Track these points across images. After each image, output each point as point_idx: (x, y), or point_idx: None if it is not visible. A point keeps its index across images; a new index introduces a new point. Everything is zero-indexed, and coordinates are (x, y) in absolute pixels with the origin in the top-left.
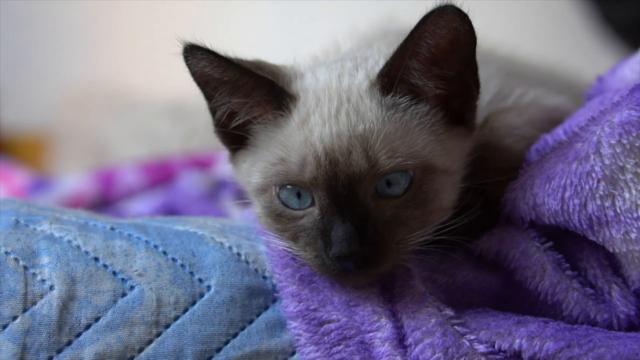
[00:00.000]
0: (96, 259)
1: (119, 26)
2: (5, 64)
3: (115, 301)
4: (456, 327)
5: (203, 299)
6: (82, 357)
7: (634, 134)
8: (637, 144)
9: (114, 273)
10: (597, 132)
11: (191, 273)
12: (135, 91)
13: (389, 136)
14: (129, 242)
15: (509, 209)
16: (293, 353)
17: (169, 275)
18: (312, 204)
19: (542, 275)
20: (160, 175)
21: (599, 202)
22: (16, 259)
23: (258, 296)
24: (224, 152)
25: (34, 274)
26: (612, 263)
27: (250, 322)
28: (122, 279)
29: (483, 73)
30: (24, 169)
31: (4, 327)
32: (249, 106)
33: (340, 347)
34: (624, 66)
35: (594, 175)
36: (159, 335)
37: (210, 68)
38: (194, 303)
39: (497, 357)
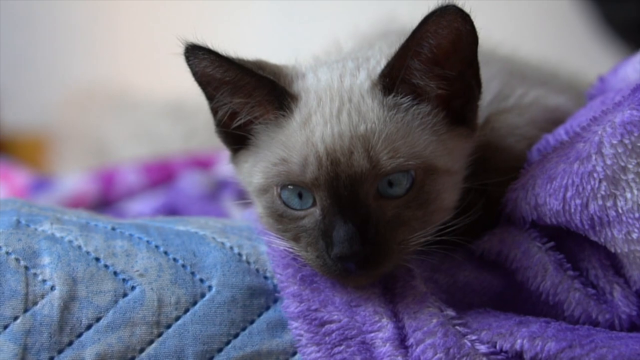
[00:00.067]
0: (97, 259)
1: (119, 26)
2: (5, 64)
3: (116, 301)
4: (457, 327)
5: (204, 299)
6: (83, 357)
7: (635, 134)
8: (639, 144)
9: (115, 273)
10: (599, 132)
11: (192, 273)
12: (135, 91)
13: (391, 136)
14: (130, 242)
15: (510, 209)
16: (294, 353)
17: (170, 276)
18: (314, 204)
19: (544, 276)
20: (161, 175)
21: (600, 202)
22: (17, 259)
23: (259, 296)
24: (224, 152)
25: (35, 274)
26: (614, 263)
27: (252, 322)
28: (123, 279)
29: (484, 73)
30: (24, 169)
31: (5, 327)
32: (251, 106)
33: (342, 347)
34: (625, 66)
35: (595, 175)
36: (160, 335)
37: (211, 68)
38: (195, 303)
39: (499, 357)
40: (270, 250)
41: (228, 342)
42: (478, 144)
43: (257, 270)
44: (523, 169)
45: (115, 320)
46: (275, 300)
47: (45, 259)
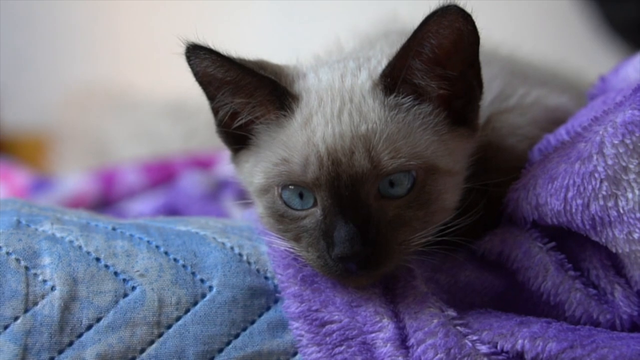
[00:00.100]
0: (98, 260)
1: (119, 26)
2: (5, 64)
3: (116, 302)
4: (458, 327)
5: (205, 299)
6: (83, 357)
7: (637, 134)
8: None
9: (116, 273)
10: (600, 132)
11: (193, 273)
12: (135, 91)
13: (392, 136)
14: (130, 243)
15: (512, 209)
16: (295, 354)
17: (171, 276)
18: (315, 204)
19: (545, 276)
20: (161, 175)
21: (601, 202)
22: (17, 260)
23: (260, 297)
24: (225, 152)
25: (35, 275)
26: (615, 263)
27: (252, 322)
28: (124, 280)
29: (485, 73)
30: (24, 169)
31: (6, 327)
32: (252, 106)
33: (342, 347)
34: (626, 66)
35: (596, 175)
36: (160, 335)
37: (212, 68)
38: (195, 303)
39: (500, 357)
40: (271, 250)
41: (229, 343)
42: (479, 144)
43: (258, 271)
44: (524, 169)
45: (115, 321)
46: (276, 301)
47: (46, 259)
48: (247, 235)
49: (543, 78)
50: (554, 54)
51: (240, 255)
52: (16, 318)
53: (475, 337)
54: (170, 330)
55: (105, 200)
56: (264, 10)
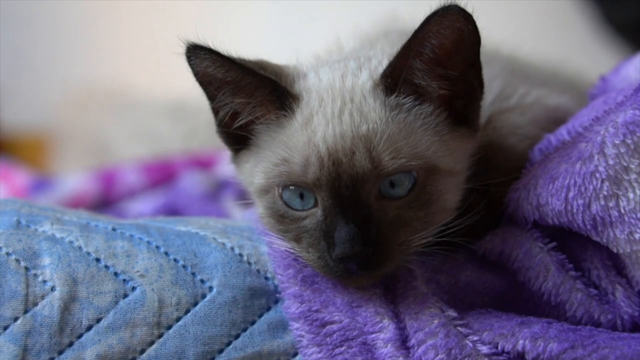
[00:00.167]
0: (98, 260)
1: (120, 26)
2: (5, 64)
3: (116, 302)
4: (459, 328)
5: (205, 299)
6: (83, 358)
7: (638, 134)
8: None
9: (116, 274)
10: (601, 132)
11: (193, 274)
12: (135, 91)
13: (393, 137)
14: (130, 243)
15: (512, 209)
16: (295, 354)
17: (171, 276)
18: (315, 204)
19: (546, 276)
20: (162, 175)
21: (602, 203)
22: (17, 260)
23: (260, 297)
24: (225, 152)
25: (35, 275)
26: (616, 263)
27: (252, 323)
28: (124, 280)
29: (486, 73)
30: (24, 169)
31: (5, 328)
32: (252, 106)
33: (343, 348)
34: (627, 65)
35: (597, 175)
36: (160, 336)
37: (213, 68)
38: (195, 304)
39: (501, 358)
40: (271, 250)
41: (229, 343)
42: (480, 144)
43: (258, 271)
44: (525, 168)
45: (115, 321)
46: (276, 301)
47: (46, 260)
48: (247, 235)
49: (543, 78)
50: (555, 53)
51: (241, 255)
52: (16, 319)
53: (476, 338)
54: (171, 331)
55: (105, 200)
56: (264, 10)
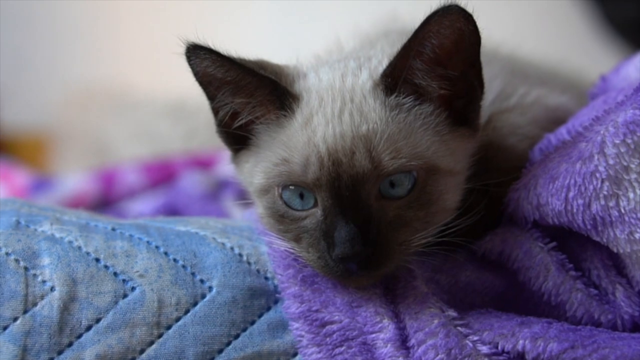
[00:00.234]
0: (97, 260)
1: (120, 26)
2: (5, 64)
3: (116, 302)
4: (459, 328)
5: (204, 299)
6: (83, 358)
7: (638, 134)
8: None
9: (115, 274)
10: (601, 132)
11: (193, 274)
12: (136, 91)
13: (393, 137)
14: (130, 243)
15: (512, 208)
16: (295, 354)
17: (171, 276)
18: (315, 204)
19: (546, 276)
20: (162, 175)
21: (603, 202)
22: (17, 260)
23: (260, 297)
24: (225, 152)
25: (34, 275)
26: (616, 263)
27: (252, 323)
28: (123, 280)
29: (486, 72)
30: (24, 169)
31: (5, 328)
32: (252, 106)
33: (343, 348)
34: (627, 65)
35: (598, 175)
36: (160, 336)
37: (213, 68)
38: (195, 304)
39: (501, 358)
40: (271, 250)
41: (229, 343)
42: (480, 144)
43: (258, 271)
44: (525, 168)
45: (115, 321)
46: (276, 301)
47: (45, 260)
48: (247, 235)
49: (543, 77)
50: (555, 53)
51: (240, 255)
52: (15, 319)
53: (476, 338)
54: (170, 331)
55: (105, 200)
56: (264, 10)
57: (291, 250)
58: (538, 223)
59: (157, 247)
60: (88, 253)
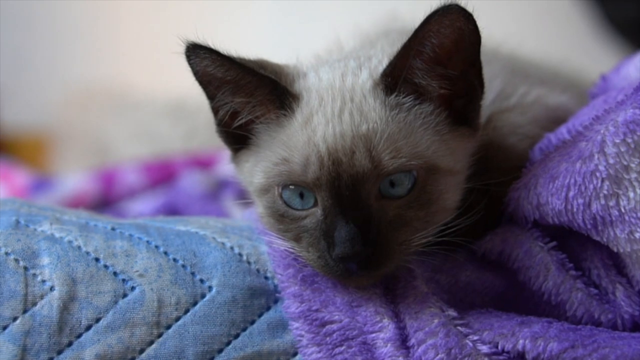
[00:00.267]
0: (97, 260)
1: (120, 26)
2: (5, 64)
3: (116, 302)
4: (459, 327)
5: (204, 299)
6: (82, 358)
7: (638, 133)
8: None
9: (115, 274)
10: (602, 131)
11: (192, 273)
12: (136, 91)
13: (393, 136)
14: (130, 243)
15: (513, 208)
16: (295, 354)
17: (170, 276)
18: (315, 204)
19: (546, 276)
20: (162, 174)
21: (603, 202)
22: (16, 260)
23: (260, 297)
24: (225, 152)
25: (34, 275)
26: (616, 263)
27: (252, 322)
28: (123, 280)
29: (486, 72)
30: (24, 168)
31: (4, 328)
32: (252, 105)
33: (343, 348)
34: (628, 65)
35: (598, 174)
36: (160, 336)
37: (212, 67)
38: (195, 304)
39: (501, 357)
40: (271, 250)
41: (228, 343)
42: (480, 143)
43: (258, 271)
44: (525, 168)
45: (115, 321)
46: (276, 301)
47: (45, 260)
48: (247, 235)
49: (544, 77)
50: (555, 53)
51: (240, 255)
52: (15, 318)
53: (476, 337)
54: (170, 331)
55: (105, 200)
56: (264, 10)
57: (291, 250)
58: (538, 222)
59: (156, 246)
60: (88, 253)
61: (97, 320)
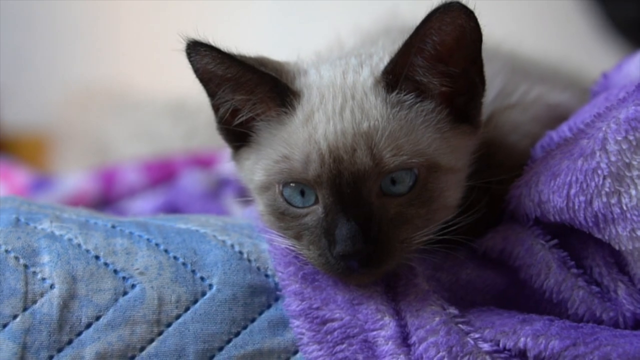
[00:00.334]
0: (97, 257)
1: (120, 26)
2: (6, 64)
3: (116, 300)
4: (460, 325)
5: (205, 297)
6: (83, 356)
7: None
8: None
9: (115, 271)
10: (603, 129)
11: (193, 271)
12: (136, 90)
13: (394, 134)
14: (130, 240)
15: (514, 206)
16: (296, 352)
17: (171, 274)
18: (316, 202)
19: (547, 274)
20: (162, 173)
21: (604, 199)
22: (16, 258)
23: (260, 294)
24: (225, 151)
25: (34, 273)
26: (618, 261)
27: (253, 320)
28: (123, 278)
29: (487, 70)
30: (25, 168)
31: (4, 325)
32: (252, 103)
33: (344, 345)
34: (629, 62)
35: (599, 172)
36: (160, 334)
37: (213, 64)
38: (195, 301)
39: (502, 355)
40: (271, 248)
41: (229, 341)
42: (481, 141)
43: (258, 269)
44: (526, 165)
45: (115, 319)
46: (277, 299)
47: (45, 257)
48: (247, 233)
49: (545, 75)
50: (556, 51)
51: (241, 253)
52: (15, 316)
53: (477, 335)
54: (170, 329)
55: (106, 199)
56: (264, 10)
57: (292, 248)
58: (539, 220)
59: (157, 244)
60: (88, 250)
61: (98, 318)
